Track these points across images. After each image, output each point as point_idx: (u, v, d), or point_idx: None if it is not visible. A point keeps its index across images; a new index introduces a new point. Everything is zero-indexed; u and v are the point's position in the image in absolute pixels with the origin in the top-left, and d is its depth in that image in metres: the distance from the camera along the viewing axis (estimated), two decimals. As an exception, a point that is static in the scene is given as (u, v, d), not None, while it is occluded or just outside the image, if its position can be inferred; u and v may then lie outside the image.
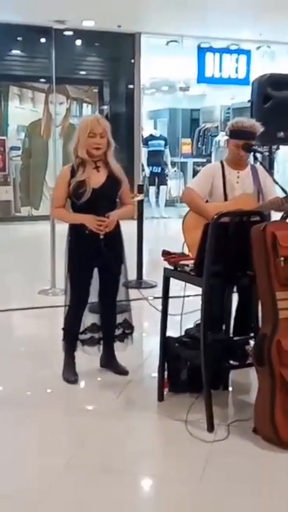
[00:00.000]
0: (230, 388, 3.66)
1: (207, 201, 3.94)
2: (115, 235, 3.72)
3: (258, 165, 3.97)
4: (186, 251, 3.67)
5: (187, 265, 3.30)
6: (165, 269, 3.46)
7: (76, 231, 3.69)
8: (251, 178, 3.89)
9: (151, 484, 2.85)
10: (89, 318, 3.88)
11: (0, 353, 4.33)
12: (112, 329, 3.91)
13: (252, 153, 3.93)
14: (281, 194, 3.82)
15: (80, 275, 3.75)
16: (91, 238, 3.60)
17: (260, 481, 2.78)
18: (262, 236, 3.01)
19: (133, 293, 5.77)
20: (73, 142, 3.68)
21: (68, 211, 3.71)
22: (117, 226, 3.69)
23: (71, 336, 3.85)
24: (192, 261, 3.26)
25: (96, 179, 3.62)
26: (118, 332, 3.93)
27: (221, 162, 3.95)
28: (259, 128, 3.83)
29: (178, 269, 3.37)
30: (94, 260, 3.70)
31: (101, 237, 3.60)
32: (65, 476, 2.78)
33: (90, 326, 3.88)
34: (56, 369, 3.85)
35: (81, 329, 3.86)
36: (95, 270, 3.77)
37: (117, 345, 3.95)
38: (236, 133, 3.82)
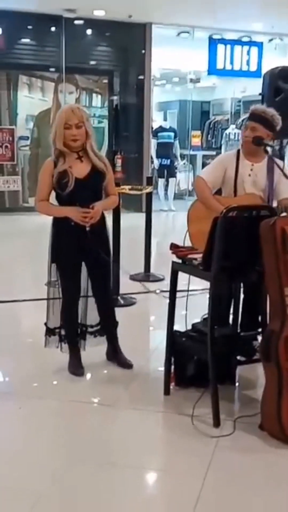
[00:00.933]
0: (237, 384, 3.64)
1: (220, 190, 3.90)
2: (100, 227, 3.65)
3: (277, 159, 3.83)
4: (187, 240, 3.65)
5: (195, 259, 3.27)
6: (173, 263, 3.44)
7: (60, 225, 3.62)
8: (265, 172, 3.80)
9: (156, 479, 2.84)
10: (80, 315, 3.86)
11: (6, 344, 4.33)
12: (111, 322, 3.89)
13: (263, 147, 3.88)
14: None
15: (69, 270, 3.70)
16: (77, 231, 3.54)
17: (265, 477, 2.77)
18: (272, 231, 2.98)
19: (140, 286, 5.79)
20: (52, 133, 3.60)
21: (53, 204, 3.64)
22: (102, 217, 3.63)
23: (70, 330, 3.83)
24: (201, 255, 3.23)
25: (80, 169, 3.54)
26: (98, 327, 3.91)
27: (238, 151, 3.88)
28: (275, 118, 3.76)
29: (186, 262, 3.34)
30: (81, 253, 3.65)
31: (87, 229, 3.54)
32: (69, 469, 2.77)
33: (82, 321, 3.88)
34: (62, 361, 3.83)
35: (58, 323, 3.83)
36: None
37: (98, 340, 3.92)
38: (249, 116, 3.83)
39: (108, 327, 3.91)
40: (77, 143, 3.53)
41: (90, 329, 3.90)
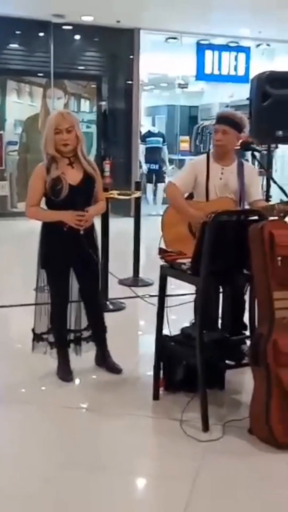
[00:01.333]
0: (226, 388, 3.64)
1: (191, 195, 3.91)
2: (91, 231, 3.68)
3: (246, 163, 3.97)
4: (163, 246, 3.68)
5: (184, 264, 3.28)
6: (162, 267, 3.44)
7: (50, 230, 3.62)
8: (235, 175, 3.86)
9: (145, 483, 2.84)
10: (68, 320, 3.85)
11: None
12: (101, 327, 3.88)
13: (250, 152, 3.92)
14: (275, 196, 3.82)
15: (59, 275, 3.70)
16: (69, 236, 3.55)
17: (254, 481, 2.76)
18: (260, 235, 2.99)
19: (129, 290, 5.78)
20: (42, 139, 3.60)
21: (44, 209, 3.62)
22: (92, 223, 3.65)
23: (60, 335, 3.82)
24: (189, 260, 3.24)
25: (72, 175, 3.55)
26: (88, 333, 3.91)
27: (207, 155, 3.93)
28: (242, 120, 3.88)
29: (175, 267, 3.34)
30: (71, 258, 3.65)
31: (81, 232, 3.55)
32: (59, 474, 2.76)
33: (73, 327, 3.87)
34: (51, 367, 3.82)
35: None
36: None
37: (89, 345, 3.92)
38: (216, 119, 3.91)
39: (97, 332, 3.90)
40: (68, 148, 3.53)
41: (84, 334, 3.90)
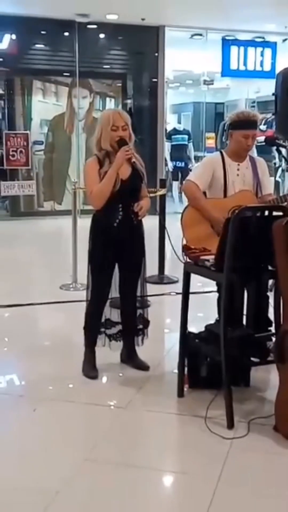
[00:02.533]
0: (251, 385, 3.62)
1: (204, 193, 3.92)
2: (139, 228, 3.74)
3: (256, 157, 4.00)
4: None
5: (208, 260, 3.26)
6: (185, 264, 3.43)
7: (99, 224, 3.69)
8: (250, 170, 3.90)
9: (169, 480, 2.84)
10: (106, 314, 3.88)
11: (22, 348, 4.36)
12: (132, 324, 3.90)
13: (275, 148, 3.89)
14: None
15: (104, 269, 3.74)
16: (119, 230, 3.63)
17: (279, 478, 2.74)
18: (284, 231, 2.96)
19: (155, 288, 5.78)
20: (94, 136, 3.70)
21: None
22: (140, 220, 3.71)
23: (92, 331, 3.85)
24: (213, 256, 3.23)
25: (123, 170, 3.63)
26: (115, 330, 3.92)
27: (221, 153, 3.93)
28: (260, 117, 3.87)
29: (199, 264, 3.33)
30: (118, 253, 3.69)
31: (134, 222, 3.64)
32: (84, 470, 2.78)
33: (104, 322, 3.88)
34: (77, 364, 3.85)
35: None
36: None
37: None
38: (243, 123, 3.81)
39: (129, 329, 3.92)
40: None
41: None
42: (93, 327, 3.84)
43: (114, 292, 3.84)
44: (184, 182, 4.24)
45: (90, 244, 3.76)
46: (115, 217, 3.63)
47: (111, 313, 3.91)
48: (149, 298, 5.43)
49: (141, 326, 3.95)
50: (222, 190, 3.85)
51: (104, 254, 3.70)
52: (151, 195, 6.37)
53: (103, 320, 3.88)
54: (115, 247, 3.67)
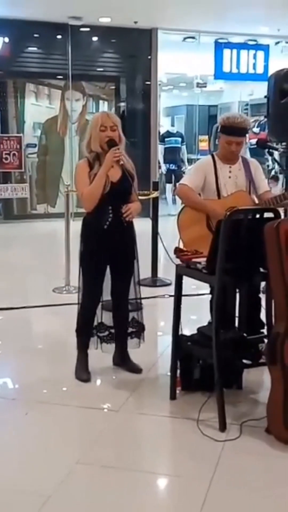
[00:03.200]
0: (243, 387, 3.62)
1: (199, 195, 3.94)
2: (129, 231, 3.73)
3: (248, 157, 4.02)
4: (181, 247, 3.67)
5: (199, 263, 3.27)
6: (177, 267, 3.44)
7: (90, 227, 3.69)
8: (243, 171, 3.91)
9: (162, 483, 2.83)
10: (98, 317, 3.87)
11: (15, 351, 4.35)
12: (124, 327, 3.90)
13: (266, 150, 3.91)
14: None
15: (94, 272, 3.74)
16: (109, 234, 3.61)
17: (272, 480, 2.75)
18: (276, 233, 2.96)
19: (148, 291, 5.78)
20: (85, 138, 3.72)
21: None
22: (131, 222, 3.70)
23: (84, 334, 3.84)
24: (205, 259, 3.23)
25: (113, 173, 3.62)
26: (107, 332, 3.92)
27: (213, 156, 3.94)
28: (250, 123, 3.85)
29: (191, 266, 3.34)
30: (108, 256, 3.69)
31: (125, 224, 3.63)
32: (76, 473, 2.78)
33: (97, 325, 3.88)
34: (70, 367, 3.84)
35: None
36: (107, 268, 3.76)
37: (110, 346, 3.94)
38: (228, 130, 3.81)
39: (121, 332, 3.91)
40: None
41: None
42: (85, 330, 3.84)
43: (107, 295, 3.83)
44: (177, 185, 4.24)
45: (81, 246, 3.76)
46: (105, 219, 3.63)
47: (104, 316, 3.91)
48: (142, 300, 5.45)
49: (135, 330, 3.94)
50: (215, 193, 3.88)
51: (94, 256, 3.70)
52: (144, 197, 6.42)
53: (96, 323, 3.87)
54: (106, 249, 3.67)
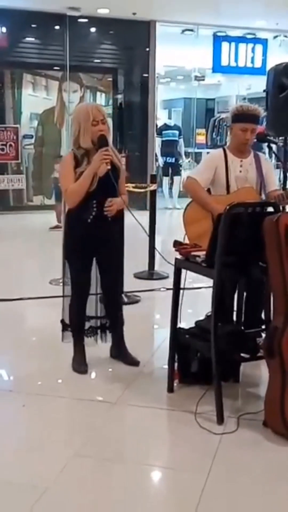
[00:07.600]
0: (241, 381, 3.63)
1: (208, 190, 3.90)
2: (116, 224, 3.70)
3: (261, 154, 3.96)
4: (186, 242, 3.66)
5: (199, 256, 3.26)
6: (176, 260, 3.43)
7: (75, 220, 3.65)
8: (254, 166, 3.87)
9: (159, 475, 2.83)
10: (96, 310, 3.87)
11: (11, 343, 4.34)
12: (118, 320, 3.89)
13: (266, 144, 3.90)
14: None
15: (80, 264, 3.72)
16: (94, 227, 3.58)
17: (268, 473, 2.76)
18: (275, 227, 2.96)
19: (144, 284, 5.79)
20: (72, 133, 3.63)
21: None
22: (122, 215, 3.67)
23: (78, 326, 3.84)
24: (204, 252, 3.23)
25: (100, 168, 3.55)
26: (103, 322, 3.93)
27: (224, 150, 3.91)
28: (262, 112, 3.83)
29: (190, 259, 3.33)
30: (93, 248, 3.67)
31: (109, 219, 3.58)
32: (74, 465, 2.77)
33: (92, 317, 3.89)
34: (67, 359, 3.84)
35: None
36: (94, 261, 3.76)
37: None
38: (242, 117, 3.78)
39: (116, 325, 3.91)
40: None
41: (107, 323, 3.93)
42: (78, 322, 3.83)
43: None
44: (185, 178, 4.21)
45: (64, 239, 3.73)
46: (88, 213, 3.58)
47: (101, 309, 3.90)
48: (139, 293, 5.46)
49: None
50: (225, 187, 3.83)
51: (78, 249, 3.67)
52: (142, 190, 6.41)
53: (93, 314, 3.86)
54: (90, 242, 3.62)
